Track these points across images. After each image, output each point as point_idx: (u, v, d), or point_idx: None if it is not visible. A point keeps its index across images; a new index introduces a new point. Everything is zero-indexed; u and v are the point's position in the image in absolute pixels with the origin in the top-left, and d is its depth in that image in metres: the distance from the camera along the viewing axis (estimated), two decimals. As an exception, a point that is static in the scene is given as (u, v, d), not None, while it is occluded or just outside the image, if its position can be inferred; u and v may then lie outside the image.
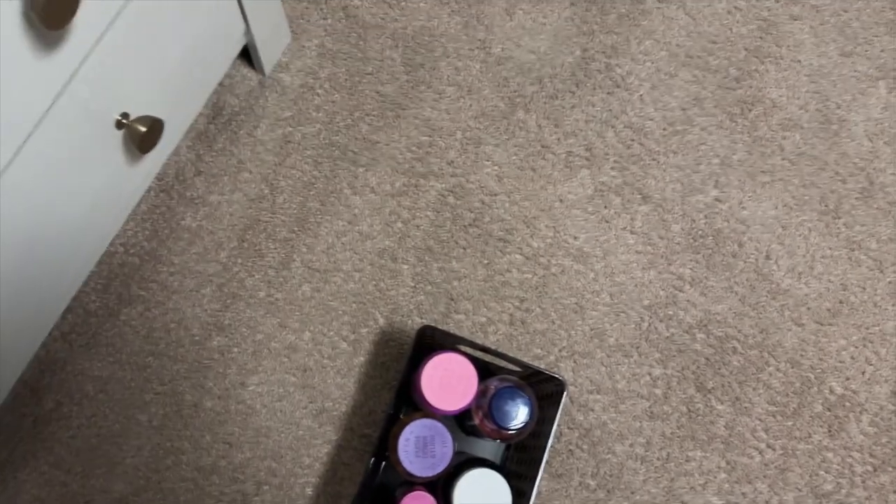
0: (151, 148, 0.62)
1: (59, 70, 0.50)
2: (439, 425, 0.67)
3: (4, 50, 0.44)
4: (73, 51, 0.50)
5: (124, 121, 0.60)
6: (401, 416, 0.74)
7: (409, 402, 0.75)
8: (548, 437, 0.69)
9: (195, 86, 0.72)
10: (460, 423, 0.75)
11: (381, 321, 0.80)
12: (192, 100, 0.74)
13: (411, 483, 0.71)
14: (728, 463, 0.79)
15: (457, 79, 0.88)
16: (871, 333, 0.83)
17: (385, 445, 0.71)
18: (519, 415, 0.67)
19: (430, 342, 0.72)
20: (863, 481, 0.79)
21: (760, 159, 0.88)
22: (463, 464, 0.69)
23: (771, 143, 0.88)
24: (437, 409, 0.67)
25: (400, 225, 0.83)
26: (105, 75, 0.55)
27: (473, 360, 0.68)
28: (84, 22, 0.49)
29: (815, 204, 0.87)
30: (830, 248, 0.85)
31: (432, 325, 0.70)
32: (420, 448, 0.66)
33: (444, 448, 0.67)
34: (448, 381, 0.67)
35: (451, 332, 0.75)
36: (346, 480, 0.77)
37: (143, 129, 0.59)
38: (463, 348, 0.73)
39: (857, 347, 0.83)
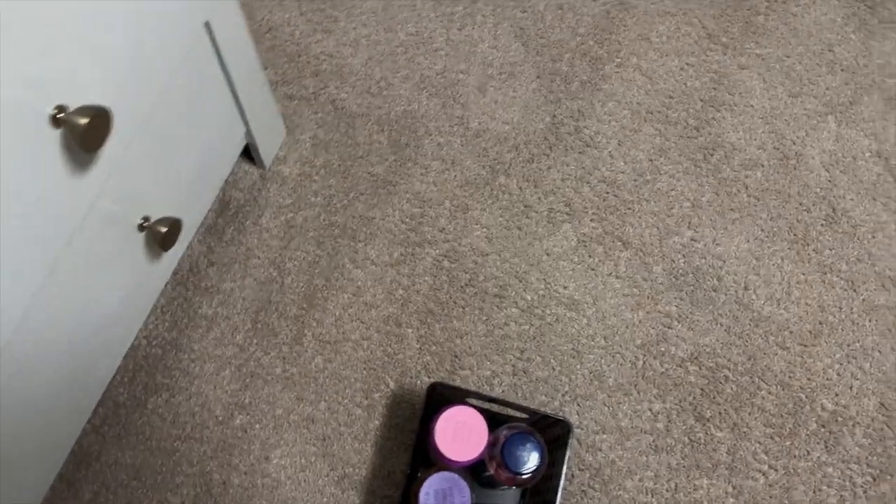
0: (172, 245, 0.68)
1: (89, 187, 0.57)
2: (456, 476, 0.71)
3: (47, 173, 0.51)
4: (100, 168, 0.57)
5: (145, 224, 0.67)
6: (418, 475, 0.78)
7: (424, 461, 0.80)
8: (559, 478, 0.73)
9: (205, 185, 0.80)
10: (477, 476, 0.79)
11: (392, 384, 0.85)
12: (203, 198, 0.81)
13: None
14: (734, 487, 0.83)
15: (440, 153, 0.95)
16: (853, 350, 0.88)
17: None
18: (531, 459, 0.71)
19: (441, 398, 0.77)
20: (864, 492, 0.83)
21: (728, 198, 0.95)
22: (482, 511, 0.73)
23: (735, 182, 0.96)
24: (452, 460, 0.71)
25: (401, 292, 0.89)
26: (127, 186, 0.63)
27: (482, 411, 0.73)
28: (111, 142, 0.57)
29: (785, 234, 0.93)
30: (804, 274, 0.92)
31: (439, 381, 0.75)
32: (440, 500, 0.70)
33: (462, 498, 0.71)
34: (460, 433, 0.71)
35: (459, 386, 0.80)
36: (373, 542, 0.80)
37: (163, 229, 0.66)
38: (471, 401, 0.78)
39: (841, 364, 0.88)
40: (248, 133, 0.83)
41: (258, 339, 0.86)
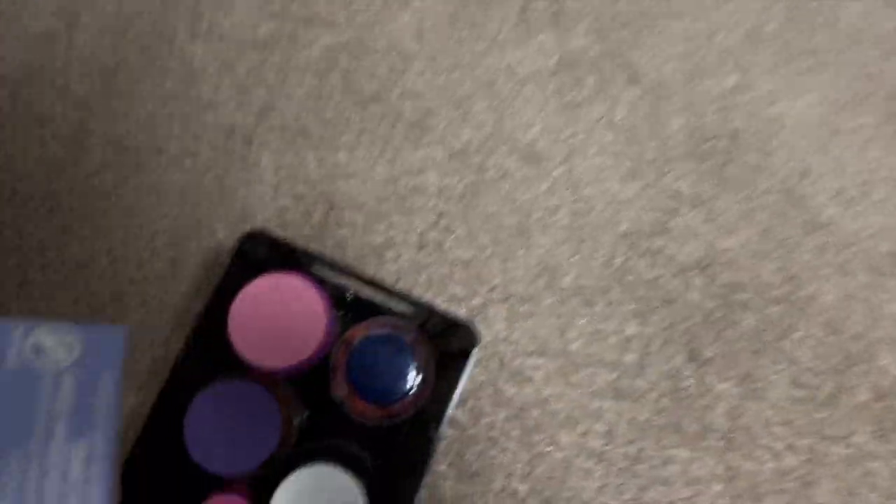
0: None
1: None
2: (259, 389, 0.41)
3: None
4: None
5: None
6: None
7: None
8: (444, 415, 0.43)
9: None
10: (315, 396, 0.49)
11: (221, 233, 0.53)
12: None
13: (231, 480, 0.45)
14: (728, 468, 0.53)
15: None
16: (946, 292, 0.57)
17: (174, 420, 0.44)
18: (398, 380, 0.41)
19: (262, 261, 0.46)
20: (923, 506, 0.53)
21: (804, 33, 0.60)
22: (300, 456, 0.43)
23: (821, 9, 0.60)
24: (255, 365, 0.40)
25: (262, 92, 0.55)
26: None
27: (337, 296, 0.42)
28: None
29: (879, 101, 0.59)
30: (897, 167, 0.58)
31: (264, 231, 0.43)
32: (222, 429, 0.40)
33: (264, 429, 0.40)
34: (277, 321, 0.40)
35: (302, 246, 0.48)
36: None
37: None
38: (319, 272, 0.46)
39: (925, 311, 0.56)
40: None
41: (14, 130, 0.53)
